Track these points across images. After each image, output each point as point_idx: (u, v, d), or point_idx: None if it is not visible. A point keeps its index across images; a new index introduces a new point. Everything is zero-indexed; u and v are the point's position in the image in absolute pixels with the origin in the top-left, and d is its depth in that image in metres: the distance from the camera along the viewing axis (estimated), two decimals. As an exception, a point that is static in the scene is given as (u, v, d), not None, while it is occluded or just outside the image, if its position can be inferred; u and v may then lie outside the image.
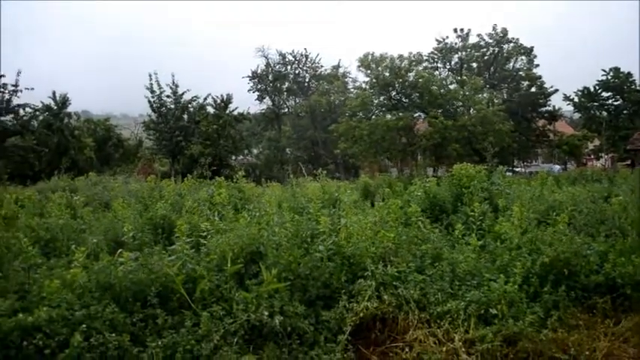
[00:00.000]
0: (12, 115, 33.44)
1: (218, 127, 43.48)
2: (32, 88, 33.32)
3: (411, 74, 39.04)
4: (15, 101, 32.85)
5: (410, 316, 5.78)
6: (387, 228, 7.43)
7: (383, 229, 7.18)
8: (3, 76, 31.80)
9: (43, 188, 15.90)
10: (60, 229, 7.91)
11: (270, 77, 52.70)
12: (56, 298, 4.90)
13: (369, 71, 40.46)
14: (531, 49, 43.60)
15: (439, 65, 44.48)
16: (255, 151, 54.74)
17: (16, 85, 32.29)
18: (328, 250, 6.14)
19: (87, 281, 5.33)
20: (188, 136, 40.02)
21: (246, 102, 72.70)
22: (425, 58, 42.87)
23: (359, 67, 41.70)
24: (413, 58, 40.69)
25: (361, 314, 5.61)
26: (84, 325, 4.59)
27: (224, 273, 5.77)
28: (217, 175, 15.42)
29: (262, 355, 4.97)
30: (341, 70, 52.54)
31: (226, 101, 46.63)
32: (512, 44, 43.66)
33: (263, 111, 53.29)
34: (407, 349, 5.43)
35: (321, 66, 53.42)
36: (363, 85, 42.95)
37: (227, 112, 45.96)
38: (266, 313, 5.01)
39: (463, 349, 5.31)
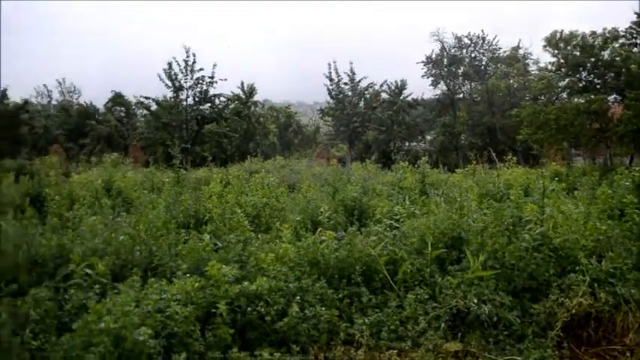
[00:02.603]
0: (209, 104, 36.87)
1: (392, 114, 43.75)
2: (226, 79, 36.39)
3: (606, 52, 35.10)
4: (211, 91, 36.18)
5: (630, 317, 5.23)
6: (594, 219, 6.80)
7: (591, 221, 6.59)
8: (202, 69, 35.25)
9: (239, 169, 17.32)
10: (263, 207, 8.51)
11: (445, 62, 51.18)
12: (272, 270, 5.26)
13: (556, 51, 37.28)
14: None
15: (639, 42, 39.44)
16: (428, 137, 53.95)
17: (212, 77, 35.53)
18: (534, 240, 5.77)
19: (296, 256, 5.64)
20: (364, 122, 40.78)
21: (421, 88, 71.94)
22: (622, 34, 38.23)
23: (545, 47, 38.54)
24: (608, 35, 36.60)
25: (573, 310, 5.19)
26: (298, 297, 4.86)
27: (425, 257, 5.73)
28: (391, 162, 15.48)
29: (467, 343, 4.85)
30: (521, 52, 49.25)
31: (401, 87, 46.66)
32: None
33: (437, 96, 52.01)
34: (627, 354, 4.91)
35: (499, 48, 50.61)
36: (549, 67, 39.70)
37: (401, 98, 46.02)
38: (475, 301, 4.86)
39: (700, 361, 4.66)
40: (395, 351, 4.64)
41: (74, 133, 46.41)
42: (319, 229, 6.94)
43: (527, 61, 48.35)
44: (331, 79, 40.57)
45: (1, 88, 39.86)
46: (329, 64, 40.25)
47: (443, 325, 4.89)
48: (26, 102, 41.52)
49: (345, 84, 41.08)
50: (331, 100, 41.64)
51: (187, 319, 4.24)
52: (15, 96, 41.51)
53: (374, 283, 5.55)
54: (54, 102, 55.85)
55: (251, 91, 45.80)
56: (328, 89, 40.78)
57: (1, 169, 18.20)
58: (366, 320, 4.89)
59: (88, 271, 5.30)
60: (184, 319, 4.22)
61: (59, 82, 56.94)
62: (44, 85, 57.14)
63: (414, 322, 4.89)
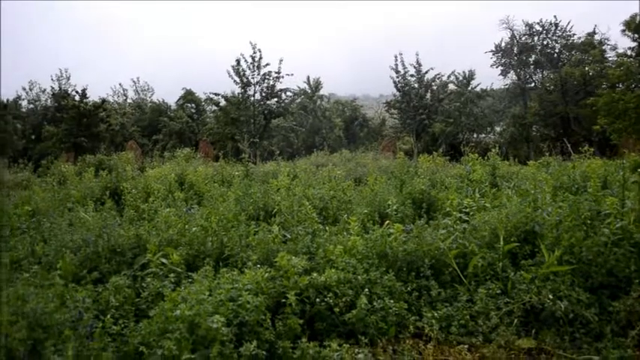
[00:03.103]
0: (276, 99, 37.43)
1: (460, 105, 42.83)
2: (292, 74, 36.80)
3: (693, 35, 32.85)
4: (278, 86, 36.72)
5: None
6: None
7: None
8: (268, 64, 35.80)
9: (306, 163, 17.51)
10: (330, 199, 8.55)
11: (516, 50, 49.41)
12: (340, 261, 5.28)
13: (636, 35, 35.18)
14: None
15: None
16: (498, 128, 52.38)
17: (278, 72, 36.06)
18: (614, 235, 5.48)
19: (364, 248, 5.64)
20: (431, 114, 40.15)
21: (490, 78, 69.88)
22: None
23: (623, 31, 36.52)
24: (695, 16, 34.14)
25: (657, 309, 4.91)
26: (366, 290, 4.86)
27: (496, 251, 5.57)
28: (459, 154, 15.12)
29: (541, 340, 4.68)
30: (597, 37, 46.75)
31: (468, 78, 45.57)
32: None
33: (507, 86, 50.42)
34: None
35: (574, 34, 48.28)
36: (628, 52, 37.53)
37: (469, 88, 44.96)
38: (550, 296, 4.68)
39: None
40: (465, 346, 4.56)
41: (148, 130, 48.46)
42: (387, 221, 6.90)
43: (603, 47, 45.88)
44: (397, 71, 40.13)
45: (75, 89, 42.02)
46: (395, 57, 39.85)
47: (516, 320, 4.75)
48: (104, 101, 43.55)
49: (412, 76, 40.53)
50: (397, 93, 41.18)
51: (258, 309, 4.32)
52: (93, 95, 43.71)
53: (443, 276, 5.47)
54: (129, 100, 58.44)
55: (317, 86, 46.21)
56: (394, 81, 40.34)
57: (82, 164, 19.22)
58: (436, 314, 4.83)
59: (164, 260, 5.52)
60: (255, 309, 4.30)
61: (134, 82, 59.59)
62: (120, 84, 59.93)
63: (486, 317, 4.77)
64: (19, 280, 5.24)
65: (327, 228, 6.86)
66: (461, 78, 45.85)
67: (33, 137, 44.62)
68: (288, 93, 38.25)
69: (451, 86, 45.12)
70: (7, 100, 45.73)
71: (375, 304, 4.76)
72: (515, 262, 5.61)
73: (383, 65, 40.91)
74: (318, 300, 4.72)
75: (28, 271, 5.65)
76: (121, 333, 4.22)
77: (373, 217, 7.70)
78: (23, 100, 50.69)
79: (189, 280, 4.99)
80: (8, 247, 6.97)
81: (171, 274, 5.18)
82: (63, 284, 4.93)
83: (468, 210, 7.10)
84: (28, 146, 43.48)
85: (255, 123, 36.19)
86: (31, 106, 50.55)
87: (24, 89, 50.55)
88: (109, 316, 4.32)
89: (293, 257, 5.04)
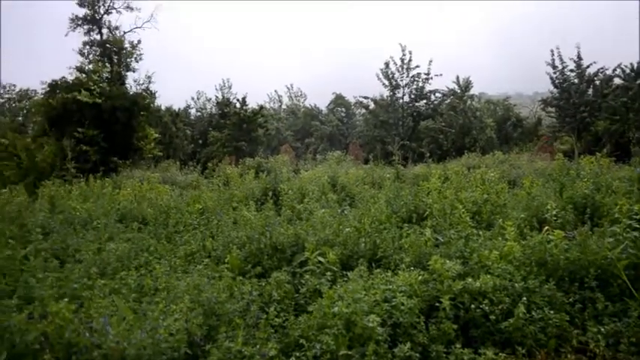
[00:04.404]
0: (425, 101, 37.23)
1: (627, 100, 38.90)
2: (441, 75, 36.31)
3: None
4: (427, 88, 36.45)
5: None
6: None
7: None
8: (417, 66, 35.65)
9: (457, 165, 17.14)
10: (483, 203, 8.32)
11: (701, 36, 43.57)
12: (496, 267, 5.15)
13: None
14: None
15: None
16: (676, 125, 46.64)
17: (427, 74, 35.76)
18: None
19: (521, 255, 5.44)
20: (594, 111, 36.98)
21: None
22: None
23: None
24: None
25: None
26: (524, 298, 4.69)
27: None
28: (626, 155, 13.75)
29: None
30: None
31: (637, 70, 41.22)
32: None
33: (687, 78, 44.77)
34: None
35: None
36: None
37: (638, 82, 40.66)
38: None
39: None
40: (637, 366, 4.22)
41: (301, 133, 50.74)
42: (545, 227, 6.57)
43: None
44: (554, 67, 37.55)
45: (239, 96, 45.21)
46: (551, 51, 37.32)
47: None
48: (261, 107, 46.40)
49: (571, 71, 37.67)
50: (554, 90, 38.56)
51: (412, 311, 4.38)
52: (252, 102, 46.87)
53: (611, 289, 5.09)
54: (283, 106, 61.75)
55: (467, 85, 44.79)
56: (551, 77, 37.82)
57: (243, 166, 20.66)
58: (602, 329, 4.53)
59: (321, 259, 5.80)
60: (409, 311, 4.37)
61: (287, 88, 62.80)
62: (275, 90, 63.54)
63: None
64: (194, 271, 5.83)
65: (480, 232, 6.71)
66: (628, 71, 41.63)
67: (200, 142, 48.87)
68: (437, 94, 37.79)
69: (617, 80, 41.18)
70: (179, 109, 50.67)
71: (533, 313, 4.59)
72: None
73: (537, 61, 38.50)
74: (472, 306, 4.66)
75: (200, 263, 6.27)
76: (282, 325, 4.52)
77: (530, 222, 7.37)
78: (192, 108, 55.91)
79: (345, 279, 5.20)
80: (183, 241, 7.76)
81: (328, 273, 5.42)
82: (231, 277, 5.39)
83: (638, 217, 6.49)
84: (196, 150, 47.68)
85: (404, 125, 36.17)
86: (199, 113, 55.47)
87: (192, 99, 55.74)
88: (272, 309, 4.64)
89: (446, 261, 5.03)
